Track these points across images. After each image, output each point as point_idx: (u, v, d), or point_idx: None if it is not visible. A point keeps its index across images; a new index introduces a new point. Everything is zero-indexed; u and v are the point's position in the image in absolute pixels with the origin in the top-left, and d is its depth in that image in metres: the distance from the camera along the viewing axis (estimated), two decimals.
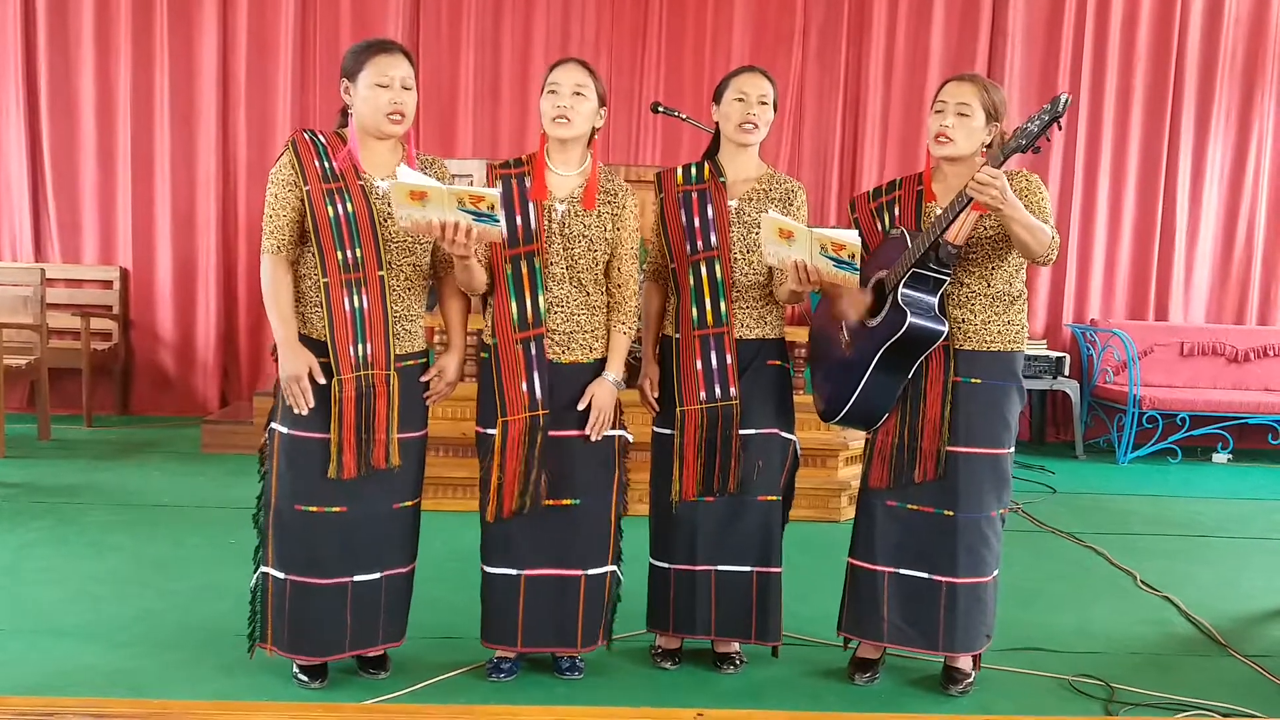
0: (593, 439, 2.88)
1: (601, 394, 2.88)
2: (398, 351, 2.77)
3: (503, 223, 2.61)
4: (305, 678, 2.85)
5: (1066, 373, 6.49)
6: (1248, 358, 6.71)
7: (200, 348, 6.64)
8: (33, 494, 4.68)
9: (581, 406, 2.86)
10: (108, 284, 6.58)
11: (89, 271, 6.60)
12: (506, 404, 2.81)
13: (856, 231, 2.74)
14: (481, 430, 2.91)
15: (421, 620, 3.00)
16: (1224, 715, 2.84)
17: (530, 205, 2.83)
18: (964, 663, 2.99)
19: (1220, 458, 6.46)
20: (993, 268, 2.85)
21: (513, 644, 2.92)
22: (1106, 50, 6.74)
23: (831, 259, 2.68)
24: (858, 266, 2.68)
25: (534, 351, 2.81)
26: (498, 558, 2.90)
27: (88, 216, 6.59)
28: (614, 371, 2.91)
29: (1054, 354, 6.49)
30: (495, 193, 2.54)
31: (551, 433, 2.83)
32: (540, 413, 2.81)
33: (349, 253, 2.68)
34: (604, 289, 2.93)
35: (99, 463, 5.33)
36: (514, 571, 2.89)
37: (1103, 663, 3.19)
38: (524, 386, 2.80)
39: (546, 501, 2.85)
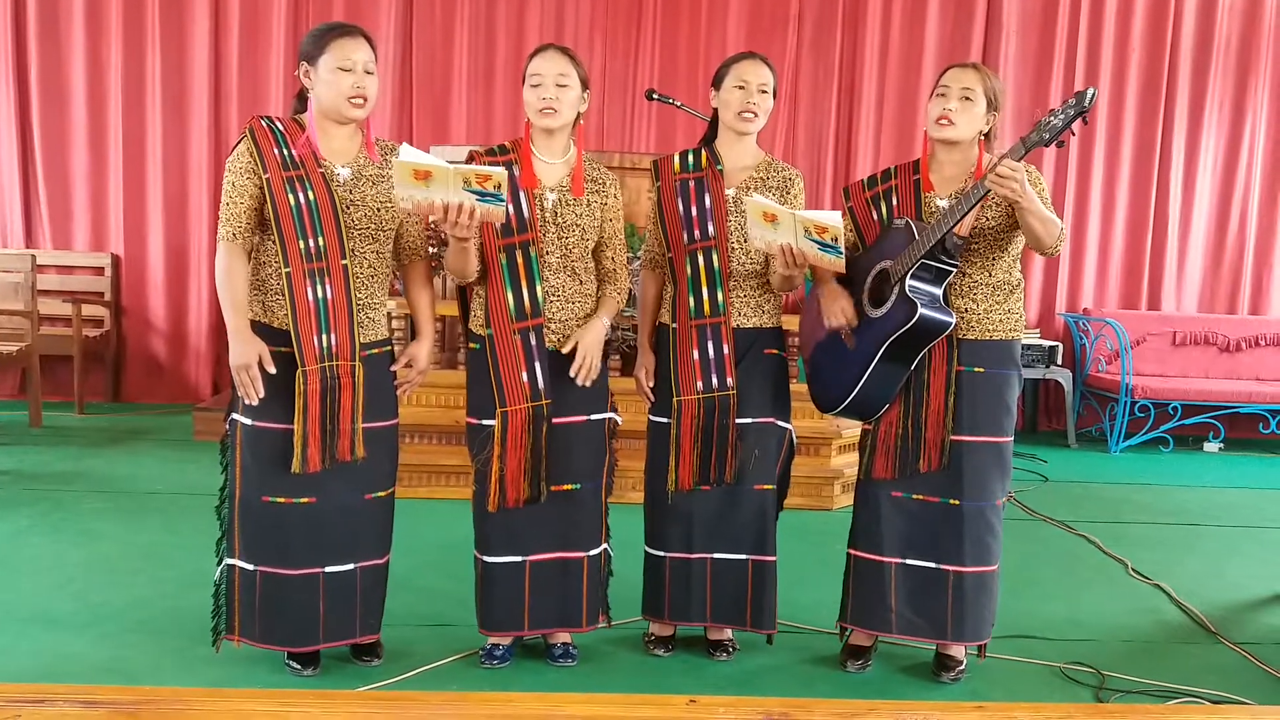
0: (579, 382, 2.83)
1: (589, 335, 2.84)
2: (362, 340, 2.73)
3: (508, 201, 2.58)
4: (297, 665, 2.84)
5: (1059, 361, 6.51)
6: (1239, 347, 6.73)
7: (192, 335, 6.63)
8: (24, 481, 4.67)
9: (566, 350, 2.83)
10: (99, 270, 6.56)
11: (80, 258, 6.57)
12: (505, 394, 2.79)
13: (839, 213, 2.72)
14: (475, 421, 2.89)
15: (414, 608, 2.99)
16: (1214, 702, 2.85)
17: (521, 194, 2.81)
18: (956, 650, 2.99)
19: (1211, 447, 6.48)
20: (994, 257, 2.85)
21: (519, 629, 2.91)
22: (1101, 39, 6.73)
23: (816, 242, 2.66)
24: (841, 250, 2.66)
25: (534, 341, 2.79)
26: (500, 547, 2.88)
27: (79, 203, 6.56)
28: (605, 315, 2.90)
29: (1047, 343, 6.50)
30: (502, 171, 2.50)
31: (553, 420, 2.83)
32: (544, 402, 2.80)
33: (311, 242, 2.64)
34: (594, 274, 2.92)
35: (90, 450, 5.32)
36: (518, 559, 2.88)
37: (1094, 650, 3.20)
38: (524, 376, 2.78)
39: (551, 487, 2.85)
